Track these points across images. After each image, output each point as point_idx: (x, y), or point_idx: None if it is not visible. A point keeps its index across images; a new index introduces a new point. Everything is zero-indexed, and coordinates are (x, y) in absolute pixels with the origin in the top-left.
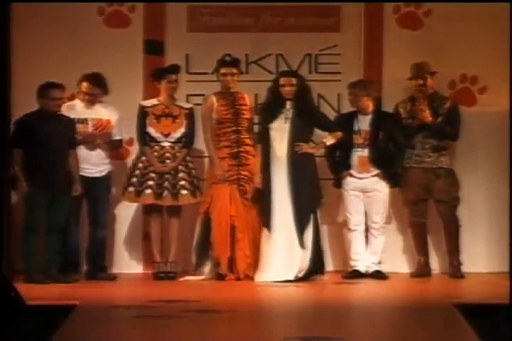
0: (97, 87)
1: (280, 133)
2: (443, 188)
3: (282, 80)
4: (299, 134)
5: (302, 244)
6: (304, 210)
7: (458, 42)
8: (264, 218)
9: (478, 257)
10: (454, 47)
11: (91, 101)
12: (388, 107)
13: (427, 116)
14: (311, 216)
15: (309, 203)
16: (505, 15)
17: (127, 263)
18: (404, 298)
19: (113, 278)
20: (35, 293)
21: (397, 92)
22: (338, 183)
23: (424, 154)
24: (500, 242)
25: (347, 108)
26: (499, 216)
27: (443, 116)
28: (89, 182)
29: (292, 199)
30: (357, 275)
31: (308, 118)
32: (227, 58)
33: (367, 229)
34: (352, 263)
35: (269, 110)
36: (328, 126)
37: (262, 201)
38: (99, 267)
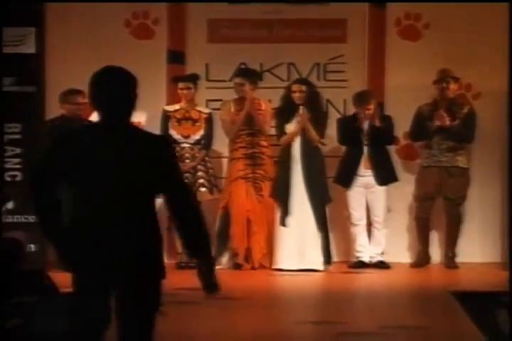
0: None
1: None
2: (453, 186)
3: (294, 87)
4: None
5: (322, 234)
6: (319, 205)
7: (453, 53)
8: (281, 213)
9: (473, 249)
10: (450, 57)
11: None
12: (389, 111)
13: (446, 120)
14: (325, 210)
15: (322, 198)
16: (496, 28)
17: None
18: (404, 286)
19: None
20: (68, 280)
21: (399, 97)
22: (343, 181)
23: (441, 154)
24: (493, 235)
25: (352, 112)
26: (491, 212)
27: (461, 120)
28: None
29: (309, 195)
30: (361, 265)
31: (315, 122)
32: (244, 67)
33: (369, 223)
34: (357, 254)
35: (284, 114)
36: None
37: (279, 196)
38: None
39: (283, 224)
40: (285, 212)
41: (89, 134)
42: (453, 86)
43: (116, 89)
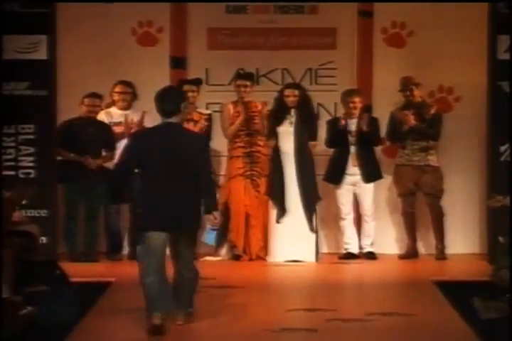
0: (129, 88)
1: (287, 134)
2: (429, 183)
3: (287, 92)
4: (303, 135)
5: (313, 229)
6: (311, 201)
7: (436, 59)
8: (278, 212)
9: (455, 241)
10: (433, 62)
11: (125, 100)
12: (377, 113)
13: (410, 120)
14: (316, 206)
15: (313, 197)
16: (476, 35)
17: None
18: (390, 276)
19: None
20: (79, 271)
21: (385, 100)
22: (332, 179)
23: (413, 153)
24: (473, 228)
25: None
26: (471, 206)
27: (428, 121)
28: None
29: (301, 193)
30: (350, 256)
31: (307, 124)
32: (242, 72)
33: (358, 217)
34: (345, 246)
35: (276, 116)
36: (312, 136)
37: (274, 196)
38: None
39: (278, 221)
40: (282, 211)
41: (155, 130)
42: (417, 91)
43: (169, 101)
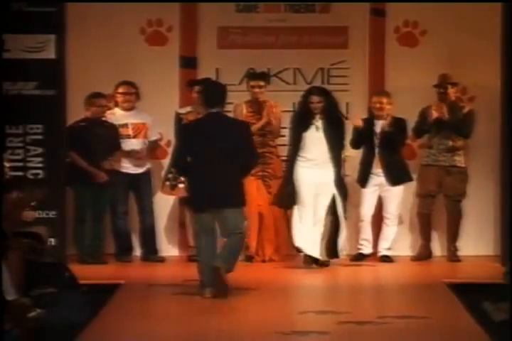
0: (132, 88)
1: (315, 139)
2: (452, 184)
3: (313, 98)
4: (334, 140)
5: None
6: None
7: (449, 58)
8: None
9: (468, 242)
10: (446, 62)
11: (129, 101)
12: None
13: (444, 112)
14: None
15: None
16: (490, 34)
17: (165, 247)
18: (403, 278)
19: (162, 260)
20: (88, 273)
21: (398, 100)
22: (360, 180)
23: (440, 154)
24: (487, 229)
25: (354, 114)
26: (486, 208)
27: (461, 118)
28: (133, 177)
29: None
30: (361, 257)
31: (335, 130)
32: (256, 72)
33: (381, 219)
34: (359, 246)
35: (301, 121)
36: (341, 143)
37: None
38: (151, 250)
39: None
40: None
41: (201, 121)
42: (451, 90)
43: (215, 94)
